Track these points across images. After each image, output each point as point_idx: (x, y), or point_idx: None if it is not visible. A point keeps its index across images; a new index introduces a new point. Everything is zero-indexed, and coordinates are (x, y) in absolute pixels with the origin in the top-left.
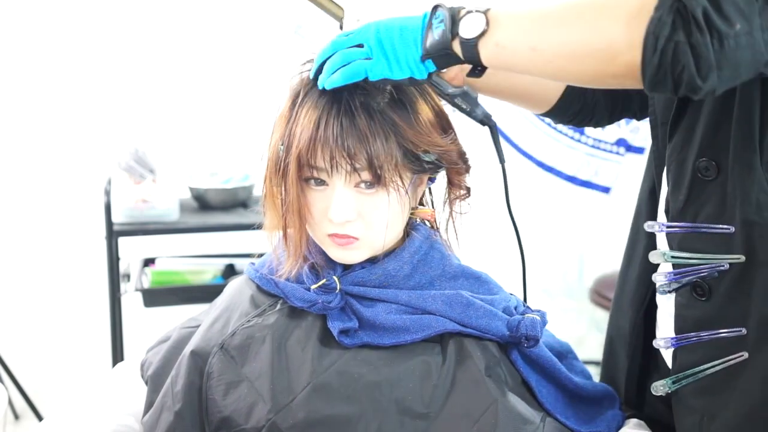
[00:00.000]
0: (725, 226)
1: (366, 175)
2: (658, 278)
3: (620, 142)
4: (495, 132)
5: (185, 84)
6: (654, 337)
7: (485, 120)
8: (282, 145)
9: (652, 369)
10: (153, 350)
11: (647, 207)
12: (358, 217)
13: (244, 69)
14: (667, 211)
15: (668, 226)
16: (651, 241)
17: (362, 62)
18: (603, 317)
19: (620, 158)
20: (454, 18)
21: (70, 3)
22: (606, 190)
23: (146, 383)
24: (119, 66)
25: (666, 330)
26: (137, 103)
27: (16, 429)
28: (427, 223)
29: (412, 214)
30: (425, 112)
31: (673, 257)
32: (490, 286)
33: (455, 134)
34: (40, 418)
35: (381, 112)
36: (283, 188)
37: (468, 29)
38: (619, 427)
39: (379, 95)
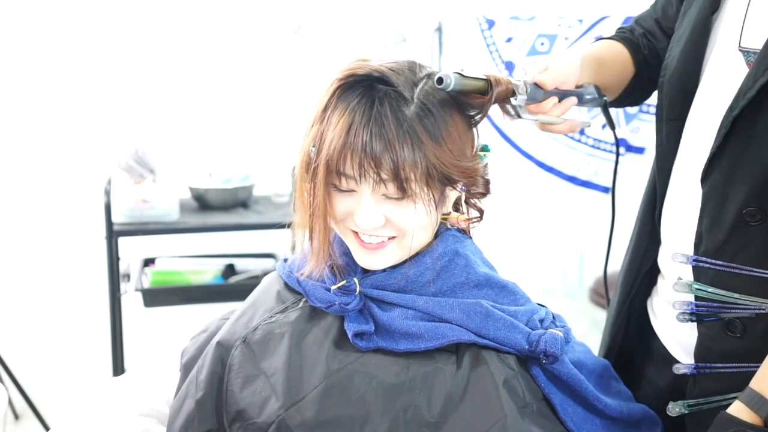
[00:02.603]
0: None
1: (392, 188)
2: (678, 305)
3: (620, 142)
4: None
5: (185, 84)
6: (646, 331)
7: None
8: (314, 146)
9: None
10: (194, 339)
11: (648, 204)
12: (386, 223)
13: (244, 69)
14: (697, 245)
15: (698, 260)
16: (645, 235)
17: None
18: (603, 317)
19: (620, 158)
20: None
21: (70, 3)
22: (606, 190)
23: (180, 370)
24: (120, 66)
25: (672, 341)
26: (137, 103)
27: (16, 429)
28: (453, 226)
29: (444, 219)
30: (457, 127)
31: (698, 290)
32: (516, 296)
33: (483, 157)
34: (40, 418)
35: (410, 124)
36: (311, 190)
37: None
38: None
39: (407, 105)
